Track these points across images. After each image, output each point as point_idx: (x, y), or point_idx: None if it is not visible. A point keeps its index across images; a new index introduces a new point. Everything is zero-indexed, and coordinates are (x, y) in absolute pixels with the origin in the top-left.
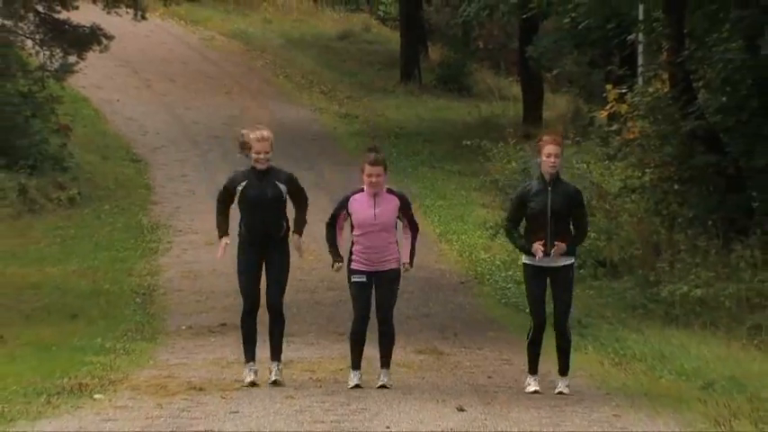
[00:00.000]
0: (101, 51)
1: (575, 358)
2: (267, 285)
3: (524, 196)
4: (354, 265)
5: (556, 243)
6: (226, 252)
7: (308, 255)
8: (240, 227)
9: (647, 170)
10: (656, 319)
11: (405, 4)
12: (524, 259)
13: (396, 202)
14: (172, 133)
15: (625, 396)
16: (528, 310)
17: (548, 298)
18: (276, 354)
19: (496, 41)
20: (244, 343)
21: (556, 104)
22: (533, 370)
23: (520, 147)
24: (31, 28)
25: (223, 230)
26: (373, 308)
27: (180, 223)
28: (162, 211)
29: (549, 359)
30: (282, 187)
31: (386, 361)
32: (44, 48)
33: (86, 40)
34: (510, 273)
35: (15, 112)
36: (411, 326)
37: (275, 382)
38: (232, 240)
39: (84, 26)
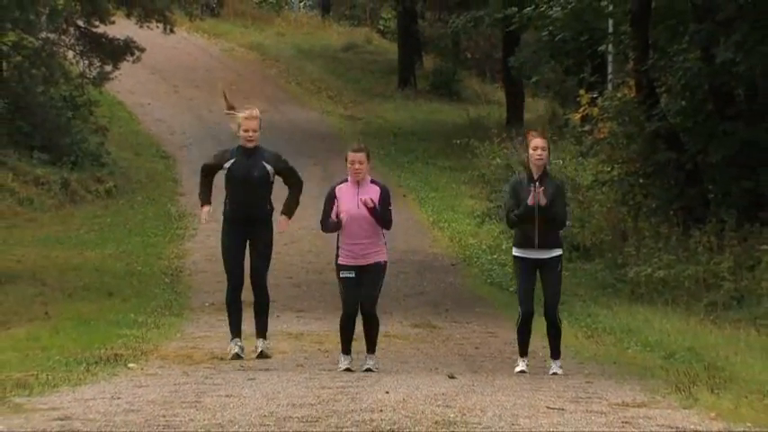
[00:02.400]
0: (134, 61)
1: None
2: (251, 265)
3: (516, 185)
4: (342, 260)
5: (542, 187)
6: (210, 217)
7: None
8: (225, 205)
9: (615, 165)
10: (624, 297)
11: (402, 19)
12: (515, 252)
13: (377, 190)
14: (196, 133)
15: (596, 365)
16: (518, 299)
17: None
18: (262, 331)
19: (482, 52)
20: (229, 320)
21: (535, 108)
22: (523, 353)
23: (503, 145)
24: (73, 40)
25: (205, 199)
26: None
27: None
28: (188, 202)
29: (537, 336)
30: (269, 168)
31: (371, 348)
32: (84, 58)
33: (121, 51)
34: (495, 256)
35: (58, 114)
36: (407, 302)
37: (261, 353)
38: (216, 215)
39: (119, 39)
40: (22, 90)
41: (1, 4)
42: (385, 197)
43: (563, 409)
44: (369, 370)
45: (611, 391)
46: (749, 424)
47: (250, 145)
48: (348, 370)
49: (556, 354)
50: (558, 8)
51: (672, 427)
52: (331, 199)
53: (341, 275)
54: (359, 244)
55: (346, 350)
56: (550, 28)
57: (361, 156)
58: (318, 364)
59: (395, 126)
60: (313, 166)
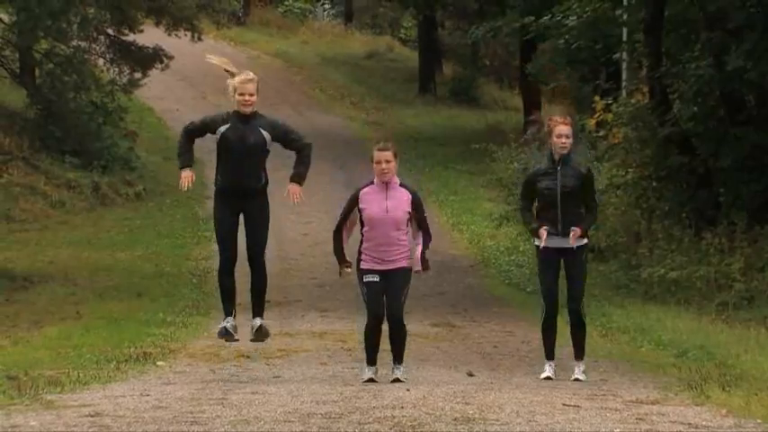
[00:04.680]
0: (162, 68)
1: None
2: (248, 239)
3: (532, 178)
4: (364, 264)
5: (572, 229)
6: (191, 184)
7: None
8: (216, 176)
9: (629, 170)
10: (637, 297)
11: (422, 28)
12: (536, 241)
13: (408, 196)
14: None
15: (611, 363)
16: (541, 295)
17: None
18: (258, 310)
19: (500, 60)
20: (222, 298)
21: (552, 114)
22: (550, 355)
23: (520, 150)
24: (103, 48)
25: (186, 161)
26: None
27: None
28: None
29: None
30: (266, 134)
31: (399, 358)
32: (114, 65)
33: (150, 58)
34: (512, 257)
35: (90, 119)
36: (428, 302)
37: (261, 328)
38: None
39: (148, 47)
40: (55, 96)
41: (34, 13)
42: (417, 204)
43: (579, 407)
44: (397, 380)
45: (625, 388)
46: (759, 420)
47: (247, 110)
48: (371, 380)
49: (580, 353)
50: (574, 17)
51: (684, 424)
52: (353, 202)
53: (364, 280)
54: (386, 250)
55: (372, 360)
56: (566, 36)
57: (387, 154)
58: (341, 362)
59: (415, 131)
60: (337, 170)
